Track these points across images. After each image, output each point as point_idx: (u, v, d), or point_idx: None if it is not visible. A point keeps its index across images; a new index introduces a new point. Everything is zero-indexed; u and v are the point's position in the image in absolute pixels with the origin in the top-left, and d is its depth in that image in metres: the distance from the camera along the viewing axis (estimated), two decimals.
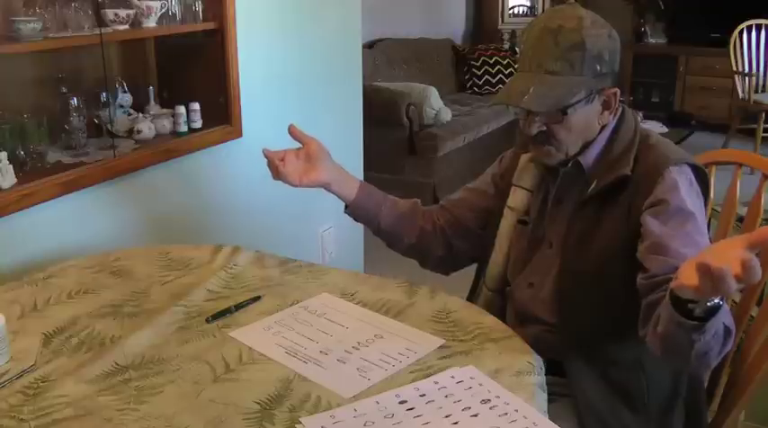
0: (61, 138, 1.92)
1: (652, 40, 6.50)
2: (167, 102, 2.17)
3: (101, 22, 1.86)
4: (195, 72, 2.18)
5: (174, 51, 2.20)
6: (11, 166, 1.66)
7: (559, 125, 1.31)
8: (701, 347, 1.07)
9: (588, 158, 1.36)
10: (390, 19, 5.16)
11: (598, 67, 1.29)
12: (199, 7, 2.10)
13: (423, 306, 1.38)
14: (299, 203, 2.40)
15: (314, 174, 1.46)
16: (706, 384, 1.46)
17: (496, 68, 5.49)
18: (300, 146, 1.48)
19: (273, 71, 2.40)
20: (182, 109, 2.10)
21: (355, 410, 1.06)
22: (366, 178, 1.60)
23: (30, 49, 1.76)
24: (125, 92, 2.09)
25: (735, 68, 5.17)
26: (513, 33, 6.09)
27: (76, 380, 1.14)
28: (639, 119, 1.49)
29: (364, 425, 1.02)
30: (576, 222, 1.35)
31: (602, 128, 1.36)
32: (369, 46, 4.81)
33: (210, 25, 2.11)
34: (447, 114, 4.42)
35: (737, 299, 1.50)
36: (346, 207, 1.56)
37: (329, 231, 2.80)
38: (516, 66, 1.39)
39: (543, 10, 6.17)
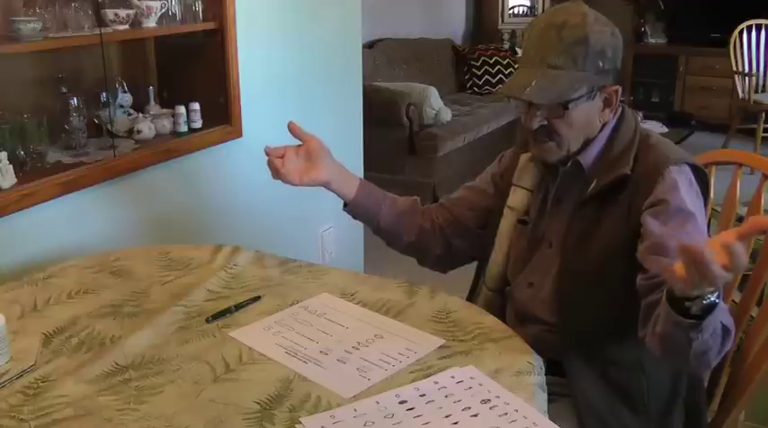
0: (61, 138, 1.92)
1: (652, 40, 6.49)
2: (167, 102, 2.17)
3: (101, 22, 1.86)
4: (195, 72, 2.19)
5: (173, 51, 2.20)
6: (11, 166, 1.66)
7: (560, 120, 1.31)
8: (699, 346, 1.07)
9: (588, 158, 1.36)
10: (390, 19, 5.16)
11: (600, 64, 1.29)
12: (199, 7, 2.10)
13: (423, 306, 1.38)
14: (299, 203, 2.40)
15: (314, 173, 1.46)
16: (706, 384, 1.46)
17: (496, 68, 5.49)
18: (300, 143, 1.48)
19: (273, 71, 2.40)
20: (182, 109, 2.10)
21: (355, 410, 1.06)
22: (366, 178, 1.60)
23: (30, 49, 1.76)
24: (125, 92, 2.09)
25: (735, 68, 5.16)
26: (513, 33, 6.09)
27: (76, 380, 1.14)
28: (639, 119, 1.49)
29: (364, 425, 1.02)
30: (575, 222, 1.35)
31: (603, 126, 1.36)
32: (369, 46, 4.81)
33: (210, 25, 2.11)
34: (447, 114, 4.42)
35: (737, 299, 1.50)
36: (345, 204, 1.56)
37: (329, 231, 2.80)
38: (517, 66, 1.39)
39: (543, 10, 6.17)
